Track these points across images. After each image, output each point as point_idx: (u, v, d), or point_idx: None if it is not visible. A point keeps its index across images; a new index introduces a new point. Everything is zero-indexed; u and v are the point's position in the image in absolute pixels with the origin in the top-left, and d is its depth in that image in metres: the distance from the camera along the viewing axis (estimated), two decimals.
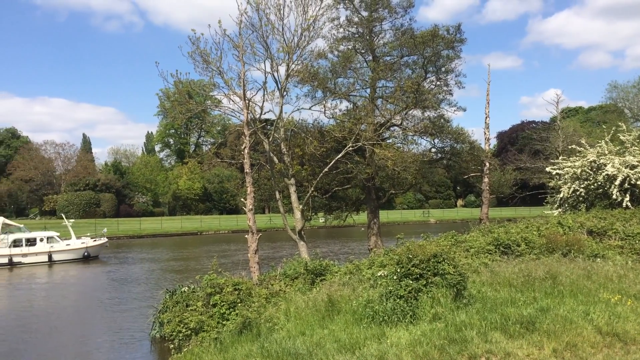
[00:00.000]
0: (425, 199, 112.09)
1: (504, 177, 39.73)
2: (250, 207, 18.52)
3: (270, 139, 21.46)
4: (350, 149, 22.27)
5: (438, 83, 27.34)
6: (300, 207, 21.90)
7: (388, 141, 27.39)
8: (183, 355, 11.24)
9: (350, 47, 27.39)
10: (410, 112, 26.14)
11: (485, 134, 35.77)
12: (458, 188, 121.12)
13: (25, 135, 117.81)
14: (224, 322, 13.38)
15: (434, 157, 29.28)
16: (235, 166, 39.73)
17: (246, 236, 18.80)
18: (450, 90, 27.53)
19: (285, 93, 21.37)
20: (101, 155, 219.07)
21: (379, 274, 12.44)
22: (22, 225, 41.34)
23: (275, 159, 21.93)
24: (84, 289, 27.85)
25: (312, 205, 26.17)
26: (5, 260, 36.11)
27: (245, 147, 18.72)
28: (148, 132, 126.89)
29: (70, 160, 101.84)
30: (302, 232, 21.83)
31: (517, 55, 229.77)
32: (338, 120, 25.03)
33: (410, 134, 26.88)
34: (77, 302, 23.87)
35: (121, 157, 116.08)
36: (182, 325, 13.81)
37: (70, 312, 21.66)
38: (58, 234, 39.83)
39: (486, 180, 33.65)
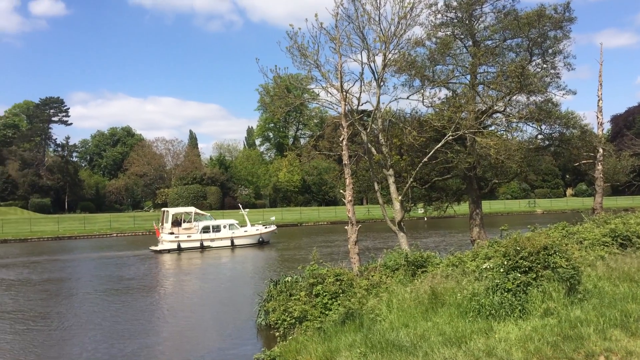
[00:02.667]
0: (531, 188, 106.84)
1: (620, 164, 36.80)
2: (350, 198, 18.58)
3: (367, 130, 21.39)
4: (450, 138, 21.65)
5: (545, 66, 25.77)
6: (399, 198, 21.67)
7: (490, 129, 26.24)
8: (288, 343, 11.55)
9: (448, 33, 26.52)
10: (515, 97, 24.88)
11: (597, 117, 33.35)
12: (567, 176, 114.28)
13: (139, 133, 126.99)
14: (326, 312, 13.58)
15: (541, 144, 27.69)
16: (333, 158, 40.20)
17: (346, 227, 18.94)
18: (558, 73, 25.85)
19: (382, 83, 21.18)
20: (206, 150, 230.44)
21: (484, 267, 12.03)
22: (208, 214, 47.53)
23: (373, 149, 21.83)
24: (239, 271, 31.25)
25: (411, 196, 25.78)
26: (197, 244, 41.66)
27: (343, 139, 18.80)
28: (249, 126, 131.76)
29: (179, 155, 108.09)
30: (402, 223, 21.62)
31: (633, 31, 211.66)
32: (437, 109, 24.38)
33: (515, 120, 25.60)
34: (226, 284, 26.57)
35: (225, 151, 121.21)
36: (286, 314, 14.19)
37: (216, 292, 24.09)
38: (237, 222, 44.94)
39: (599, 167, 31.40)
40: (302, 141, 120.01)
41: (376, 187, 22.23)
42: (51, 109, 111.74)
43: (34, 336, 16.55)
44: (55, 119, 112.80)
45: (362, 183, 27.40)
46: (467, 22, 26.20)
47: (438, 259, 16.47)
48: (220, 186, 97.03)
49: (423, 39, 24.16)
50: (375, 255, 19.75)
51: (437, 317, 10.48)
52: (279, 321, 14.31)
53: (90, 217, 74.11)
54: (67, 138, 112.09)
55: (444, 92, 26.29)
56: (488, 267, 11.67)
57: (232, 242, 42.85)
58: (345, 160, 18.81)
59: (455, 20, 26.56)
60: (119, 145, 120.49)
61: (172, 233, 41.45)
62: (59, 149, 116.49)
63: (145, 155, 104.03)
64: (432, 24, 26.40)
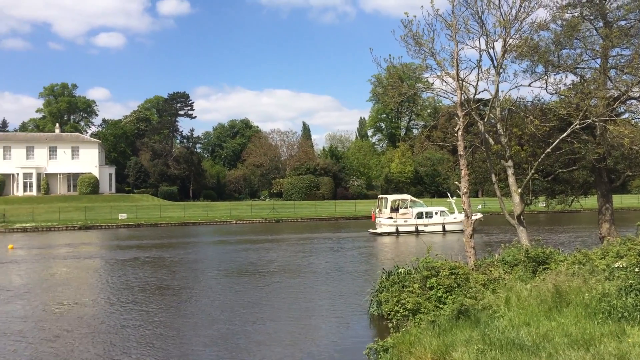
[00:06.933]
0: None
1: None
2: (465, 190, 18.06)
3: (485, 120, 20.58)
4: (577, 127, 20.21)
5: None
6: (519, 190, 20.66)
7: (624, 116, 24.16)
8: (402, 334, 11.49)
9: (576, 14, 24.64)
10: None
11: None
12: None
13: (255, 125, 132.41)
14: (440, 306, 13.33)
15: None
16: (447, 149, 39.38)
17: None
18: None
19: (501, 70, 20.23)
20: (319, 141, 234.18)
21: (616, 265, 11.15)
22: (421, 201, 51.52)
23: (490, 140, 20.97)
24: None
25: (532, 189, 24.48)
26: (412, 228, 45.53)
27: (458, 129, 18.25)
28: (361, 117, 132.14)
29: (293, 146, 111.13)
30: (522, 217, 20.61)
31: None
32: (562, 96, 22.85)
33: None
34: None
35: (337, 142, 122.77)
36: (399, 305, 14.12)
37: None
38: (447, 209, 48.07)
39: None
40: (415, 132, 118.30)
41: (493, 178, 21.36)
42: (178, 103, 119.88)
43: (160, 309, 17.96)
44: (182, 112, 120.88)
45: (478, 175, 26.46)
46: (597, 1, 24.23)
47: (562, 256, 15.55)
48: (332, 177, 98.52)
49: (547, 22, 22.67)
50: (492, 250, 19.03)
51: (561, 317, 9.89)
52: (392, 312, 14.28)
53: (211, 205, 78.65)
54: (192, 130, 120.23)
55: (570, 78, 24.52)
56: (621, 266, 10.80)
57: (444, 227, 45.74)
58: (461, 150, 18.26)
59: (584, 0, 24.66)
60: (238, 136, 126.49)
61: (390, 218, 45.59)
62: (185, 140, 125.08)
63: (262, 147, 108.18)
64: (558, 5, 24.65)
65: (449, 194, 55.91)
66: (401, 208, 47.28)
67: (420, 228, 45.42)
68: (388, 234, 44.23)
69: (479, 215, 47.24)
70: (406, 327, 12.54)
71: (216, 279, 24.71)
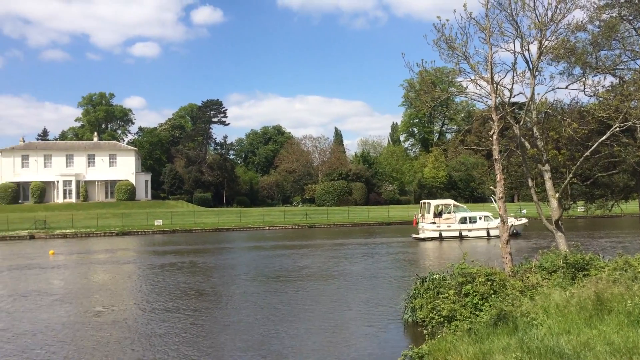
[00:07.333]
0: None
1: None
2: (501, 195, 17.79)
3: (520, 123, 20.24)
4: (617, 129, 19.68)
5: None
6: (557, 195, 20.23)
7: None
8: (437, 341, 11.36)
9: (614, 14, 24.08)
10: None
11: None
12: None
13: (288, 131, 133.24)
14: (477, 313, 13.13)
15: None
16: (481, 153, 38.91)
17: (496, 224, 18.13)
18: None
19: (537, 73, 19.89)
20: (351, 146, 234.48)
21: None
22: (464, 206, 51.78)
23: (526, 143, 20.62)
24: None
25: (570, 193, 23.91)
26: (456, 233, 45.20)
27: (493, 133, 18.00)
28: (393, 122, 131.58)
29: (325, 152, 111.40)
30: (560, 222, 20.16)
31: None
32: (601, 98, 22.30)
33: None
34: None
35: (369, 147, 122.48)
36: (434, 312, 13.97)
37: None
38: (491, 214, 47.27)
39: None
40: (448, 136, 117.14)
41: (530, 183, 20.98)
42: (211, 110, 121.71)
43: (195, 315, 18.19)
44: (215, 119, 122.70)
45: (514, 179, 26.05)
46: (636, 1, 23.62)
47: (602, 262, 15.15)
48: (365, 182, 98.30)
49: (584, 23, 22.20)
50: (529, 256, 18.68)
51: (603, 325, 9.62)
52: (427, 319, 14.13)
53: (245, 211, 79.32)
54: (225, 137, 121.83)
55: (609, 80, 23.94)
56: None
57: (488, 232, 45.10)
58: (496, 155, 18.01)
59: (623, 0, 24.06)
60: (271, 143, 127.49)
61: (434, 223, 45.39)
62: (218, 147, 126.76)
63: (294, 153, 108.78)
64: (595, 5, 24.13)
65: (493, 199, 55.41)
66: (444, 213, 47.05)
67: (464, 233, 45.07)
68: (431, 239, 44.07)
69: (524, 220, 46.77)
70: (441, 334, 12.39)
71: (250, 285, 24.89)
